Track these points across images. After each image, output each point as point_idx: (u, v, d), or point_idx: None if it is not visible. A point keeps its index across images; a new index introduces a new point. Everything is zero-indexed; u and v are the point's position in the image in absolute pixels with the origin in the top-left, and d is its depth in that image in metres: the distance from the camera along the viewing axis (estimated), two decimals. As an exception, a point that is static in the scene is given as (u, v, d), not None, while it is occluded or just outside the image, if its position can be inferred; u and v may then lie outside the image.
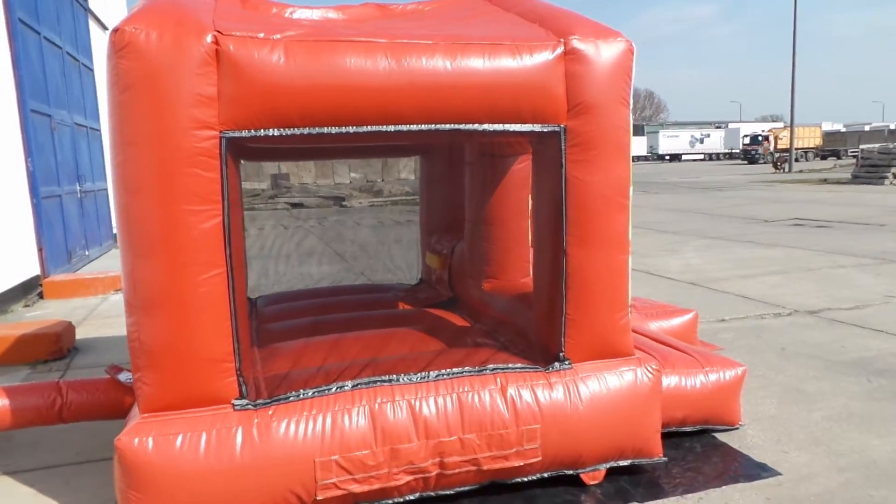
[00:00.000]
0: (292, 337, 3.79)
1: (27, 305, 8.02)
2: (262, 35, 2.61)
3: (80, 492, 3.18)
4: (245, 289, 2.89)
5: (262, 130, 2.65)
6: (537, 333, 3.30)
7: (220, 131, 2.59)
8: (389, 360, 3.15)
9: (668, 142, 71.66)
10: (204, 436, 2.60)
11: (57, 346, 5.47)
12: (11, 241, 8.15)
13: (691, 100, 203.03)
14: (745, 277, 8.07)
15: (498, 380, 2.98)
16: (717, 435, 3.62)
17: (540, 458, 2.95)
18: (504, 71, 2.85)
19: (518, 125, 2.93)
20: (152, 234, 2.56)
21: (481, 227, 4.20)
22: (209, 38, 2.54)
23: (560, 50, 2.93)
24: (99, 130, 13.36)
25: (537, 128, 2.96)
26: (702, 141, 71.50)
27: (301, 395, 2.79)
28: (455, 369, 2.99)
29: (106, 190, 13.36)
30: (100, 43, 13.89)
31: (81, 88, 12.33)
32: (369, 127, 2.76)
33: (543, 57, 2.91)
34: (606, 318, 3.13)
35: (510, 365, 3.06)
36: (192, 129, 2.54)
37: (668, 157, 70.27)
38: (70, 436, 3.83)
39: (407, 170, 46.13)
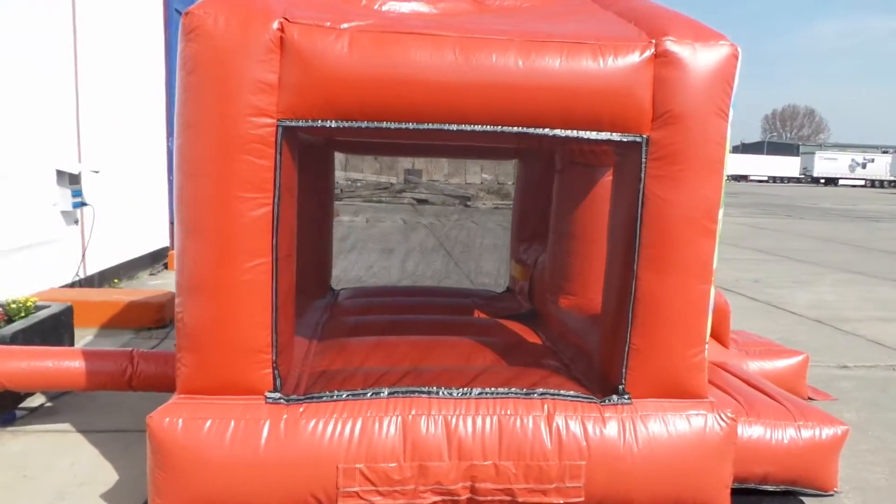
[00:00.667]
0: (360, 333, 3.74)
1: (152, 274, 8.63)
2: (328, 24, 2.55)
3: (135, 458, 3.29)
4: (292, 281, 2.84)
5: (319, 121, 2.59)
6: (599, 361, 3.03)
7: (278, 120, 2.55)
8: (436, 371, 3.00)
9: (825, 164, 66.00)
10: (232, 424, 2.59)
11: (160, 315, 5.80)
12: (149, 213, 8.82)
13: (857, 120, 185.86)
14: (883, 321, 7.16)
15: (545, 406, 2.75)
16: (805, 500, 3.16)
17: (582, 499, 2.69)
18: (582, 72, 2.61)
19: (594, 133, 2.68)
20: (202, 218, 2.57)
21: (564, 240, 3.95)
22: (275, 25, 2.51)
23: (650, 52, 2.64)
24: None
25: (616, 136, 2.69)
26: (864, 166, 65.26)
27: (335, 396, 2.71)
28: (501, 389, 2.79)
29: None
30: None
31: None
32: (430, 124, 2.62)
33: (630, 59, 2.63)
34: (677, 353, 2.80)
35: (562, 392, 2.81)
36: (250, 116, 2.52)
37: (822, 181, 64.80)
38: (147, 404, 4.00)
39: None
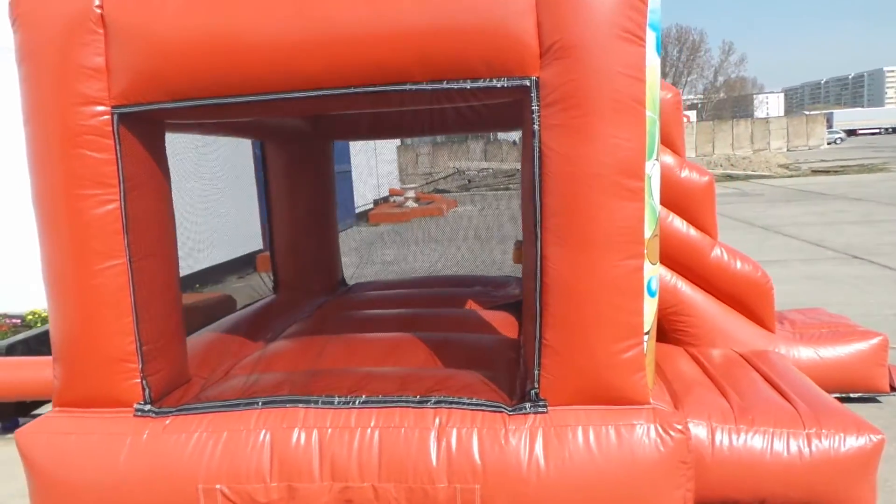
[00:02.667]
0: (349, 329, 3.44)
1: (240, 277, 8.95)
2: (157, -8, 2.27)
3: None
4: (168, 282, 2.59)
5: (156, 104, 2.32)
6: (523, 360, 2.49)
7: (112, 107, 2.32)
8: (355, 374, 2.63)
9: None
10: (95, 440, 2.40)
11: (209, 317, 5.89)
12: (245, 215, 9.15)
13: None
14: None
15: (438, 417, 2.28)
16: (825, 534, 2.41)
17: (477, 531, 2.20)
18: (438, 6, 2.11)
19: (468, 81, 2.17)
20: (50, 218, 2.40)
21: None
22: (96, 2, 2.27)
23: (527, -29, 2.09)
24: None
25: (497, 83, 2.16)
26: None
27: (204, 408, 2.44)
28: (389, 396, 2.37)
29: (348, 172, 14.46)
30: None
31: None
32: (274, 94, 2.26)
33: (498, -17, 2.09)
34: (600, 350, 2.20)
35: (463, 399, 2.32)
36: (79, 106, 2.30)
37: None
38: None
39: (687, 146, 43.00)
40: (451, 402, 2.32)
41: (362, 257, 10.45)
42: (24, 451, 2.43)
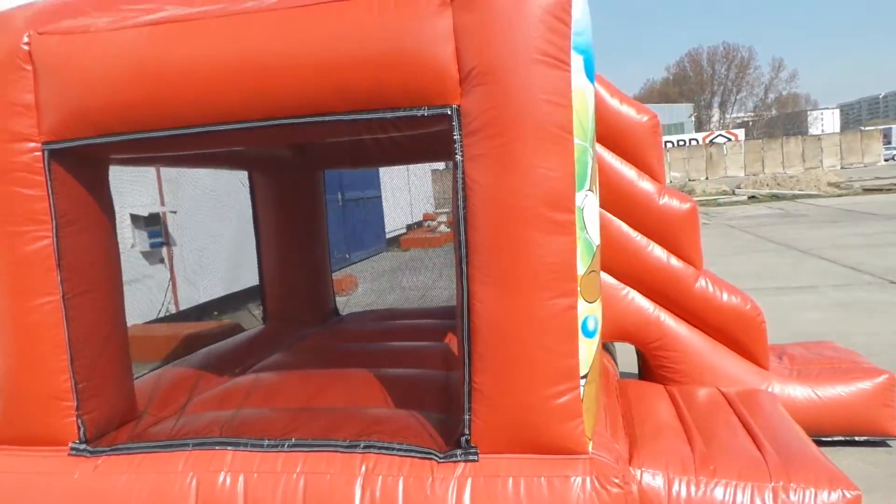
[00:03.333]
0: (321, 363, 3.36)
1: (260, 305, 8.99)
2: (78, 30, 2.26)
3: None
4: (108, 318, 2.54)
5: (83, 140, 2.30)
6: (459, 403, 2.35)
7: (42, 143, 2.31)
8: (282, 413, 2.54)
9: None
10: (27, 479, 2.36)
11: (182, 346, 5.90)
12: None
13: None
14: None
15: (364, 465, 2.16)
16: None
17: (400, 588, 2.05)
18: (356, 35, 2.03)
19: (388, 112, 2.08)
20: (-20, 256, 2.39)
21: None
22: (24, 40, 2.28)
23: (444, -8, 2.00)
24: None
25: (417, 112, 2.06)
26: None
27: (137, 448, 2.37)
28: (319, 440, 2.26)
29: (378, 197, 14.52)
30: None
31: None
32: (196, 128, 2.21)
33: (415, 7, 2.00)
34: (530, 395, 2.06)
35: (394, 444, 2.20)
36: (8, 142, 2.30)
37: None
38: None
39: (735, 165, 41.74)
40: (380, 448, 2.19)
41: (387, 283, 10.43)
42: (-41, 489, 2.41)
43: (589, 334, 2.09)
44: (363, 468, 2.15)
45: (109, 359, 2.55)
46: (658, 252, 3.29)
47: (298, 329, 4.33)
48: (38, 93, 2.29)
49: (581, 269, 2.04)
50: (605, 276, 3.32)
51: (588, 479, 2.01)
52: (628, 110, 3.29)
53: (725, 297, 3.29)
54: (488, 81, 1.98)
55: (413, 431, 2.29)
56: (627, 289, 3.33)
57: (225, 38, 2.12)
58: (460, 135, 2.03)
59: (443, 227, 15.95)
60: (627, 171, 3.29)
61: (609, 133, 3.28)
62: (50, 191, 2.33)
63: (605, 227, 3.26)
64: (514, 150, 1.98)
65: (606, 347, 3.48)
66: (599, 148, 3.28)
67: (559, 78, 1.97)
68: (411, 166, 16.56)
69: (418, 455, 2.16)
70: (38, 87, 2.29)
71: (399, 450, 2.18)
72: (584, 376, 2.08)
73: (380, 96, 2.07)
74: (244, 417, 2.51)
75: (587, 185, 2.06)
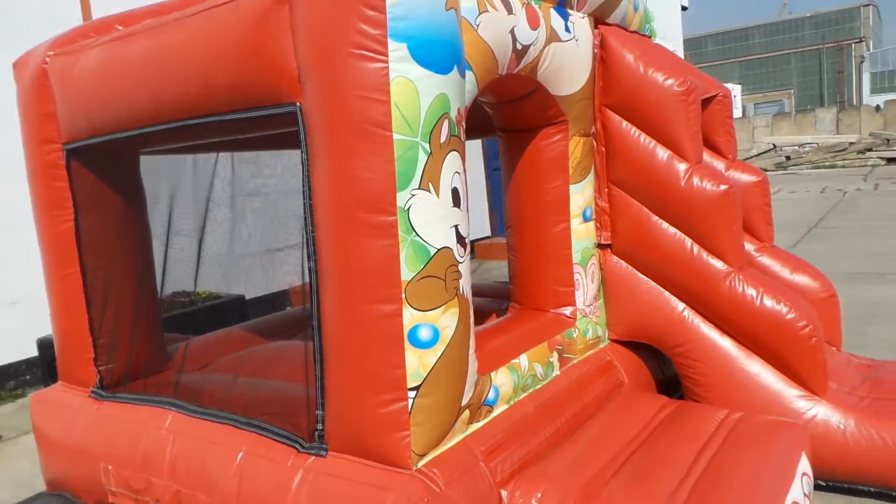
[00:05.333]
0: None
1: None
2: (78, 47, 2.70)
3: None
4: (127, 289, 2.98)
5: (85, 140, 2.76)
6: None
7: (62, 144, 2.84)
8: (220, 382, 2.80)
9: None
10: (64, 410, 2.98)
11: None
12: (474, 205, 9.60)
13: None
14: None
15: (245, 442, 2.32)
16: None
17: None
18: (208, 32, 2.15)
19: (243, 112, 2.14)
20: (38, 232, 3.01)
21: (508, 232, 3.02)
22: (46, 60, 2.80)
23: (276, -12, 1.98)
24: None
25: (267, 111, 2.09)
26: None
27: (124, 398, 2.84)
28: (223, 412, 2.47)
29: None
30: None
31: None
32: (152, 127, 2.49)
33: (260, 4, 2.02)
34: (359, 400, 2.01)
35: (275, 427, 2.31)
36: (42, 144, 2.87)
37: None
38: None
39: None
40: (262, 428, 2.33)
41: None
42: (31, 412, 3.15)
43: (421, 344, 1.95)
44: (244, 446, 2.31)
45: (127, 321, 3.06)
46: (681, 241, 2.79)
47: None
48: (56, 103, 2.80)
49: (407, 274, 1.91)
50: (623, 264, 2.95)
51: (402, 496, 1.91)
52: (654, 76, 2.80)
53: (764, 301, 2.67)
54: (312, 79, 1.93)
55: (300, 414, 2.36)
56: (649, 281, 2.90)
57: (142, 50, 2.37)
58: (304, 134, 2.01)
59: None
60: (644, 147, 2.83)
61: (628, 102, 2.85)
62: (71, 183, 2.85)
63: (624, 210, 2.90)
64: (335, 150, 1.92)
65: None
66: (619, 120, 2.88)
67: (374, 71, 1.83)
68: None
69: (287, 441, 2.25)
70: (56, 98, 2.80)
71: (276, 433, 2.29)
72: (416, 388, 1.96)
73: (241, 96, 2.13)
74: (197, 381, 2.83)
75: (415, 184, 1.89)
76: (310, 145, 1.99)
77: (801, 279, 3.20)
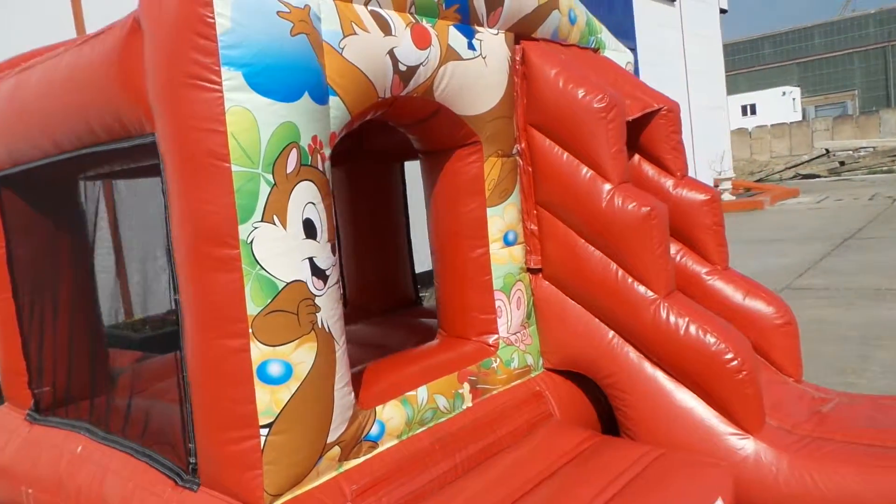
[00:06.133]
0: None
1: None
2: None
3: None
4: (64, 313, 3.02)
5: (9, 170, 2.82)
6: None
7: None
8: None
9: None
10: (2, 433, 3.04)
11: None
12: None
13: None
14: None
15: (135, 472, 2.30)
16: None
17: None
18: (82, 66, 2.16)
19: (113, 143, 2.14)
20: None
21: (432, 258, 2.91)
22: (-22, 92, 2.88)
23: (132, 19, 1.97)
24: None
25: (128, 143, 2.09)
26: None
27: (46, 422, 2.87)
28: (125, 440, 2.46)
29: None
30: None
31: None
32: (52, 158, 2.54)
33: (112, 37, 2.02)
34: (212, 435, 1.96)
35: (161, 457, 2.28)
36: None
37: None
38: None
39: None
40: (150, 458, 2.30)
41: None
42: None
43: (272, 380, 1.88)
44: (133, 476, 2.29)
45: (64, 345, 3.10)
46: (606, 265, 2.65)
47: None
48: (-7, 134, 2.88)
49: (253, 309, 1.85)
50: (554, 289, 2.82)
51: (246, 537, 1.85)
52: (573, 91, 2.67)
53: (685, 330, 2.49)
54: (158, 109, 1.90)
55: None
56: (579, 307, 2.76)
57: (35, 84, 2.41)
58: (161, 164, 1.98)
59: (726, 195, 14.22)
60: (568, 166, 2.69)
61: (550, 120, 2.73)
62: (1, 210, 2.92)
63: (552, 233, 2.78)
64: (181, 182, 1.88)
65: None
66: (542, 138, 2.76)
67: (209, 100, 1.79)
68: (701, 124, 15.04)
69: (168, 472, 2.21)
70: (-8, 130, 2.88)
71: (160, 463, 2.26)
72: (269, 425, 1.89)
73: (116, 127, 2.13)
74: (117, 405, 2.83)
75: (257, 217, 1.83)
76: (166, 176, 1.96)
77: (755, 304, 2.97)
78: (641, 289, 2.59)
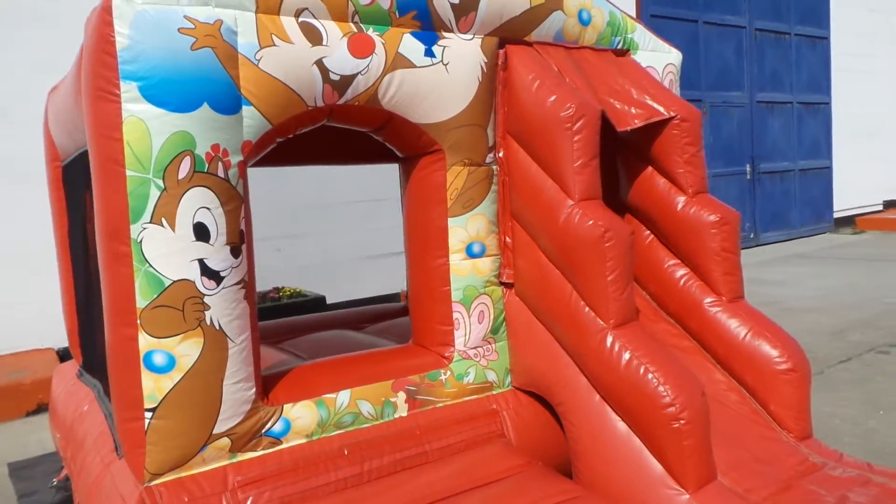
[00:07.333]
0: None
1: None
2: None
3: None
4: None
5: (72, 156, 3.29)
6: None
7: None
8: None
9: None
10: (62, 383, 3.57)
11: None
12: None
13: None
14: None
15: (104, 443, 2.59)
16: None
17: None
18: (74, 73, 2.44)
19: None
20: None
21: (406, 267, 2.89)
22: (52, 91, 3.38)
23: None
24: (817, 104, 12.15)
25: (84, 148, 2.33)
26: None
27: (84, 379, 3.32)
28: (109, 406, 2.78)
29: (824, 168, 12.08)
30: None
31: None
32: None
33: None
34: (118, 412, 2.16)
35: (113, 427, 2.54)
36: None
37: None
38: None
39: None
40: (111, 428, 2.58)
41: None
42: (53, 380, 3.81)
43: (157, 369, 2.04)
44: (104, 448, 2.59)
45: (95, 314, 3.54)
46: (563, 285, 2.48)
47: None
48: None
49: (141, 302, 2.02)
50: (523, 306, 2.72)
51: (130, 506, 2.03)
52: (543, 97, 2.51)
53: (629, 366, 2.26)
54: (85, 120, 2.12)
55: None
56: (540, 325, 2.62)
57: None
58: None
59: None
60: (535, 178, 2.55)
61: (522, 128, 2.60)
62: (66, 193, 3.42)
63: (521, 247, 2.70)
64: (94, 184, 2.08)
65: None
66: (517, 147, 2.64)
67: (111, 110, 1.97)
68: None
69: (116, 443, 2.47)
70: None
71: (113, 434, 2.53)
72: (152, 409, 2.06)
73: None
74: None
75: (146, 218, 1.99)
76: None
77: (757, 345, 2.60)
78: (591, 315, 2.39)
